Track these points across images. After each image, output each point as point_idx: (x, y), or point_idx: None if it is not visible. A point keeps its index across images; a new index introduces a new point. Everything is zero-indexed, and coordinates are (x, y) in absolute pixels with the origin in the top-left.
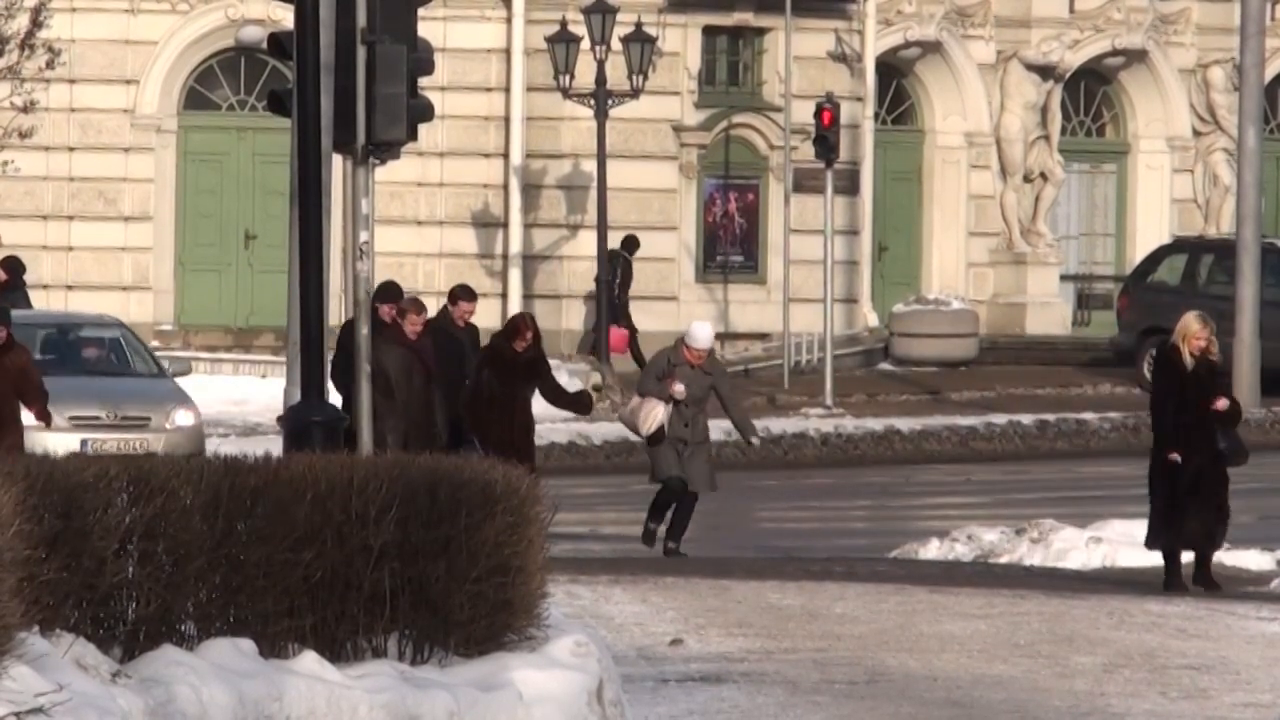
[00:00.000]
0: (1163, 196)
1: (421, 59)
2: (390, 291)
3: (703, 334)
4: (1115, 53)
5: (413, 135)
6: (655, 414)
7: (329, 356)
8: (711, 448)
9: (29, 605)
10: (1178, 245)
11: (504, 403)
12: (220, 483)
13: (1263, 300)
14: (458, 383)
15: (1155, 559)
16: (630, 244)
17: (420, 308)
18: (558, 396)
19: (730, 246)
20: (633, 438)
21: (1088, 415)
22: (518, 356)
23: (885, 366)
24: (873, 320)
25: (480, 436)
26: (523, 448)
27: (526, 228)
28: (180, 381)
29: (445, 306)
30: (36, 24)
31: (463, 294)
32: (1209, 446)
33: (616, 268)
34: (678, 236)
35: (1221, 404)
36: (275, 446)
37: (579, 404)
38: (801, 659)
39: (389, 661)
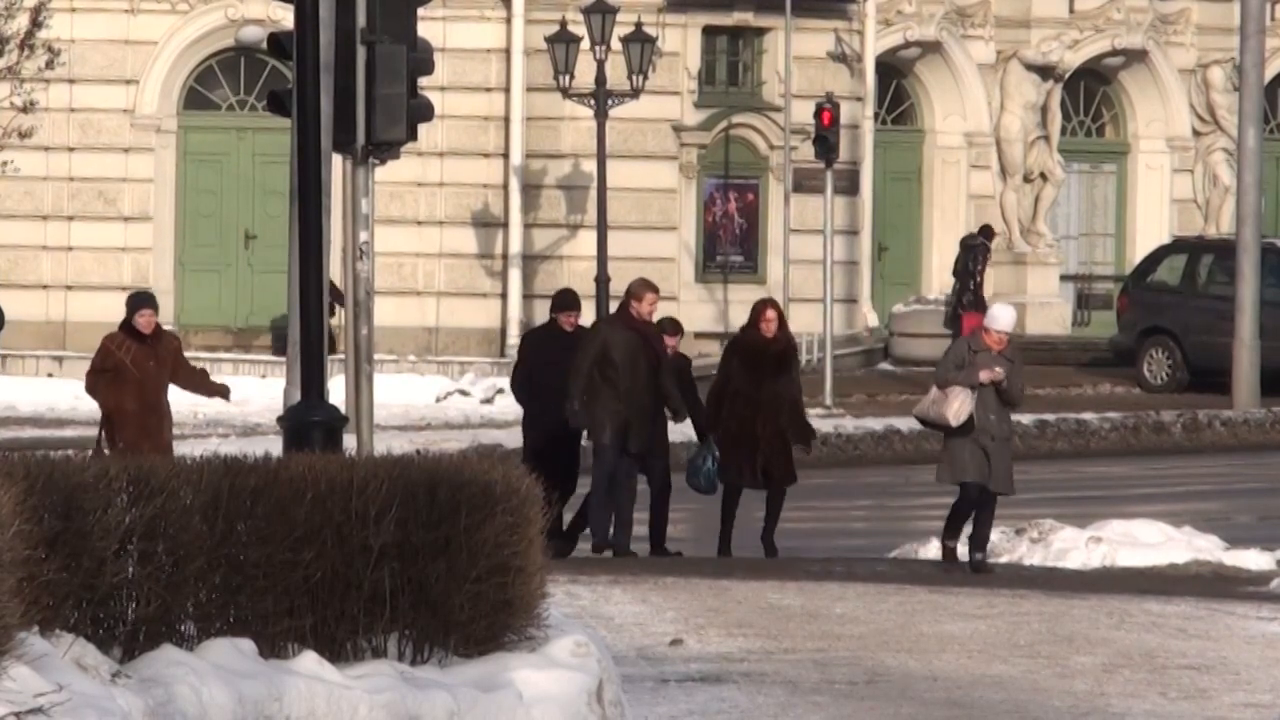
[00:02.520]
0: (1163, 196)
1: (421, 59)
2: (568, 299)
3: (1006, 316)
4: (1115, 53)
5: (412, 135)
6: (966, 404)
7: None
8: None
9: (29, 605)
10: (1178, 245)
11: (749, 397)
12: (220, 483)
13: (1263, 300)
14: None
15: (1155, 559)
16: (988, 232)
17: (654, 288)
18: (793, 403)
19: (730, 246)
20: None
21: (1088, 415)
22: (767, 345)
23: (885, 366)
24: (873, 320)
25: (720, 432)
26: (767, 449)
27: (526, 228)
28: None
29: (624, 304)
30: (36, 24)
31: (645, 288)
32: None
33: (978, 256)
34: (678, 236)
35: None
36: (275, 446)
37: (804, 434)
38: (801, 659)
39: (389, 661)
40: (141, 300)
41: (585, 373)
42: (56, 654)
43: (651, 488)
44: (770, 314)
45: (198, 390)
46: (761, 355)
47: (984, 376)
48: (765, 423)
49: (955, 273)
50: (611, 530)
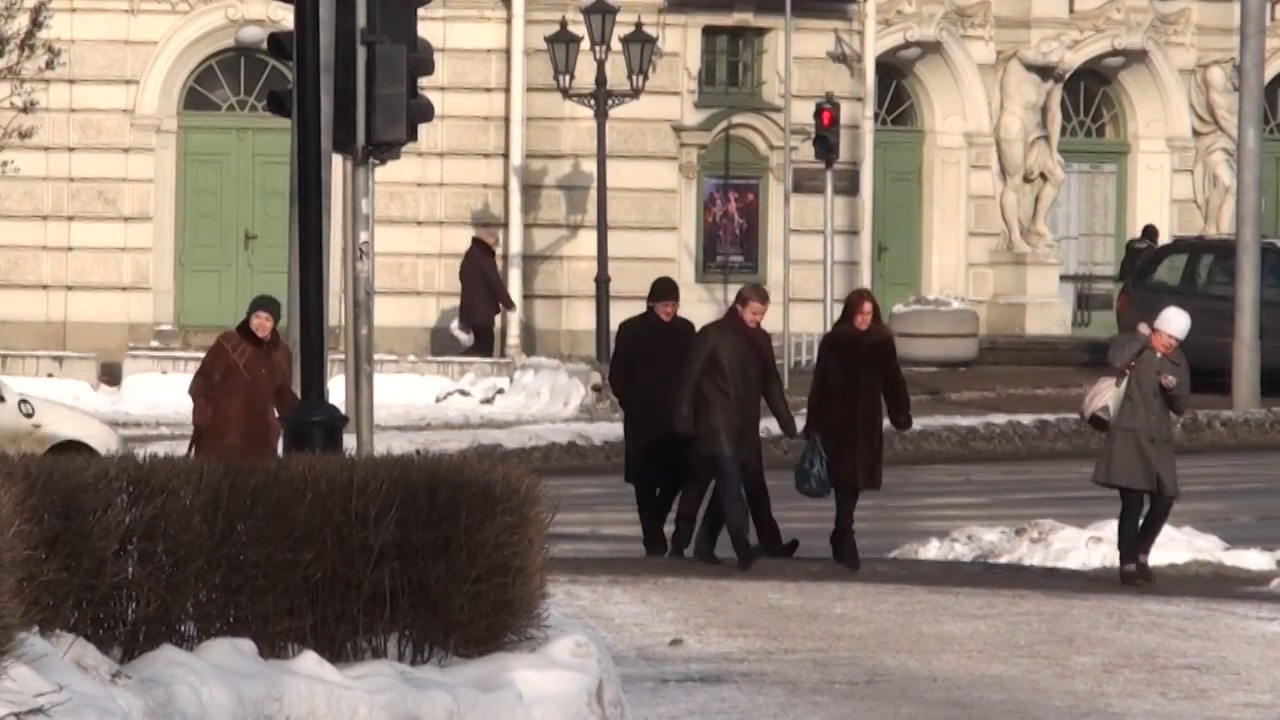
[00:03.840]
0: (1163, 197)
1: (421, 59)
2: (666, 288)
3: (1179, 321)
4: (1115, 53)
5: (413, 135)
6: (1103, 392)
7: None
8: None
9: (29, 605)
10: (1178, 245)
11: (847, 393)
12: (220, 483)
13: (1263, 300)
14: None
15: (1155, 559)
16: (1152, 233)
17: (763, 296)
18: (890, 393)
19: (730, 246)
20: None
21: None
22: (861, 339)
23: None
24: None
25: (822, 433)
26: (866, 446)
27: (526, 228)
28: None
29: (731, 309)
30: (36, 24)
31: (754, 294)
32: None
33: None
34: (678, 236)
35: None
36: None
37: (899, 416)
38: (801, 659)
39: (389, 662)
40: (261, 303)
41: (694, 381)
42: (56, 654)
43: (747, 492)
44: (866, 306)
45: (279, 410)
46: (857, 349)
47: (1166, 382)
48: (866, 419)
49: (1120, 276)
50: (686, 541)
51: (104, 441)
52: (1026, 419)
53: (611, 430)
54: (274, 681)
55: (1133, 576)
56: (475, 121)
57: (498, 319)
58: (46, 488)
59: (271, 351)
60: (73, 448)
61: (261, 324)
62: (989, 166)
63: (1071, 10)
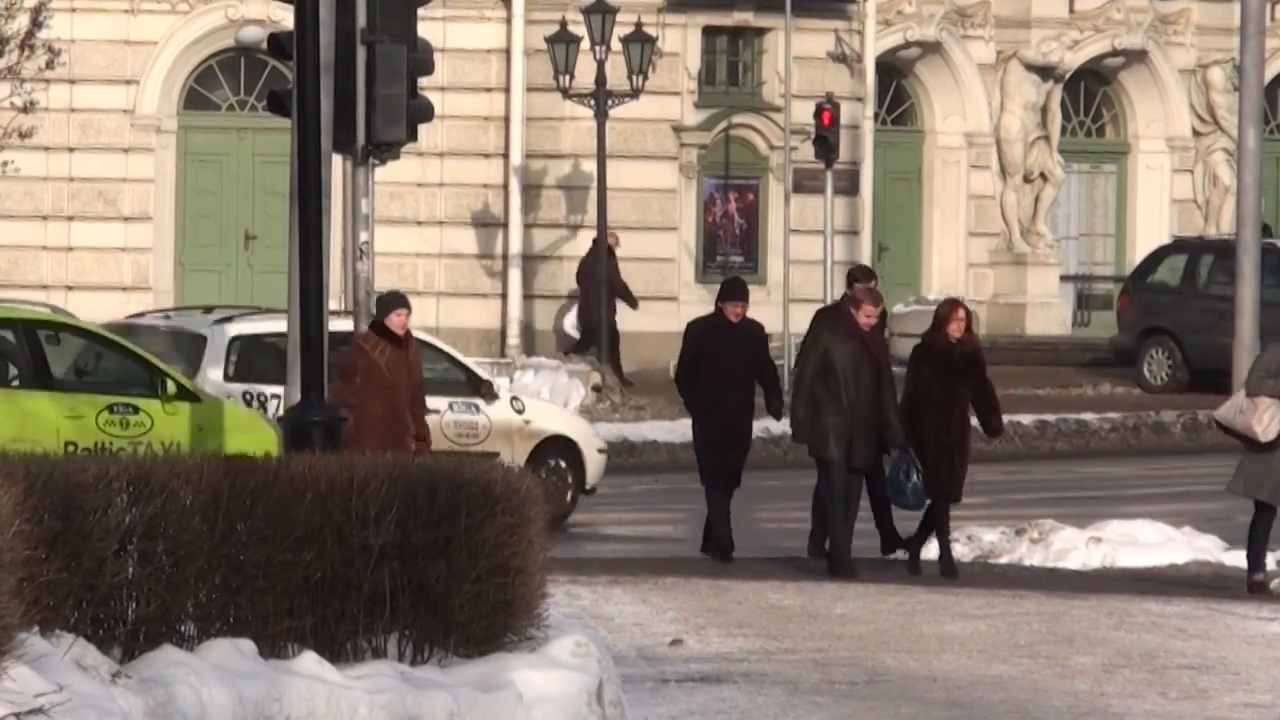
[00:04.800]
0: (1163, 197)
1: (421, 59)
2: (737, 288)
3: None
4: (1115, 53)
5: (413, 135)
6: (1278, 418)
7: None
8: None
9: (29, 606)
10: (1178, 245)
11: (941, 404)
12: (220, 483)
13: (1263, 300)
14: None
15: (1155, 559)
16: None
17: (877, 299)
18: (982, 403)
19: (730, 247)
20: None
21: (1088, 415)
22: (953, 349)
23: None
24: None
25: (917, 443)
26: (959, 457)
27: (526, 228)
28: None
29: (845, 311)
30: (36, 24)
31: (866, 297)
32: None
33: None
34: (678, 237)
35: None
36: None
37: (990, 423)
38: (801, 659)
39: (389, 662)
40: (396, 300)
41: (809, 384)
42: (57, 654)
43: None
44: (960, 314)
45: (415, 411)
46: (950, 358)
47: None
48: (959, 430)
49: None
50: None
51: (585, 437)
52: (1026, 419)
53: (611, 430)
54: (274, 681)
55: (1261, 586)
56: (475, 121)
57: (616, 319)
58: (46, 488)
59: (408, 348)
60: (559, 442)
61: (402, 321)
62: (989, 166)
63: (1071, 10)
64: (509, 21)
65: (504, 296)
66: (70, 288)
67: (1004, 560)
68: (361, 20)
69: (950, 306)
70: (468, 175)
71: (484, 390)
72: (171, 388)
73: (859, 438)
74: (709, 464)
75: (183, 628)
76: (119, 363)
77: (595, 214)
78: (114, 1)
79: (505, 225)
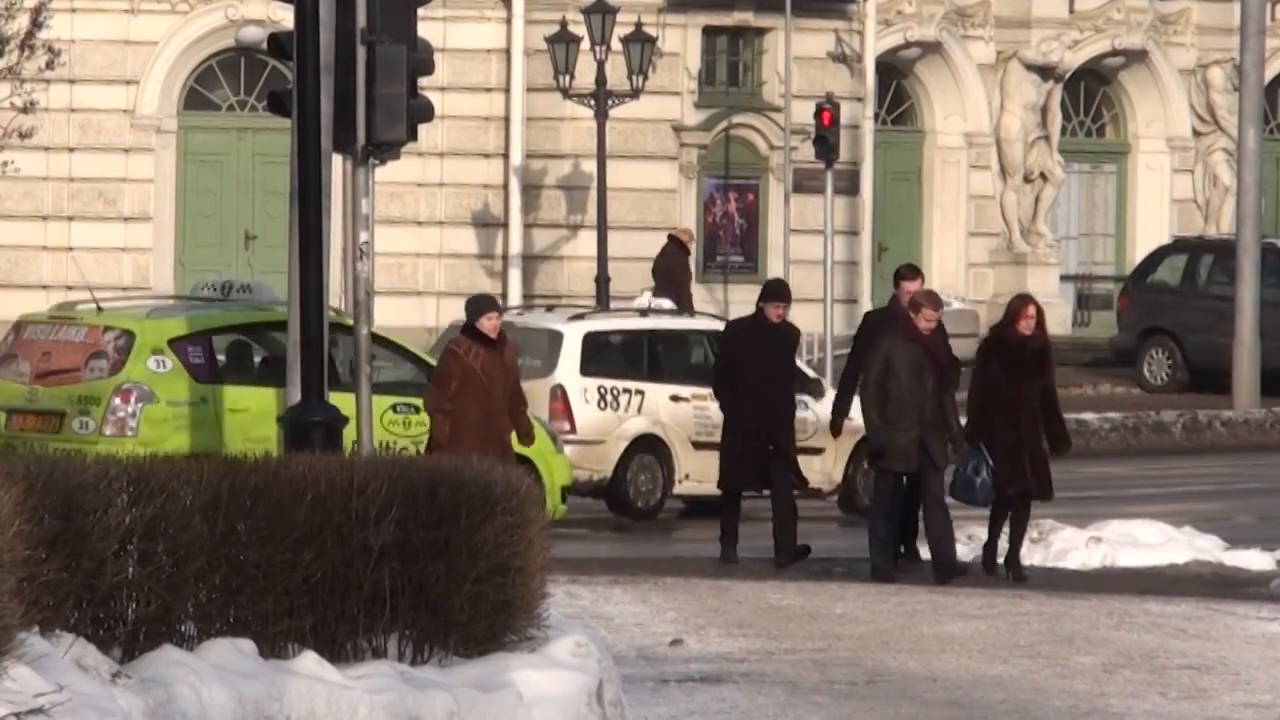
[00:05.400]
0: (1163, 197)
1: (421, 59)
2: (779, 289)
3: None
4: (1115, 53)
5: (413, 135)
6: None
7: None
8: None
9: (29, 606)
10: (1178, 245)
11: (1012, 399)
12: (220, 483)
13: (1263, 300)
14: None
15: (1155, 559)
16: None
17: (937, 303)
18: (1050, 405)
19: (730, 246)
20: None
21: (1088, 415)
22: (1024, 344)
23: None
24: None
25: (987, 440)
26: (1033, 454)
27: (526, 228)
28: None
29: (902, 313)
30: (36, 24)
31: (927, 301)
32: None
33: None
34: None
35: None
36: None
37: (1059, 439)
38: (802, 659)
39: (389, 662)
40: (486, 303)
41: (873, 390)
42: (57, 654)
43: (924, 504)
44: (1031, 310)
45: (509, 414)
46: (1021, 354)
47: None
48: (1030, 426)
49: None
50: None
51: None
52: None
53: None
54: (274, 681)
55: None
56: (475, 121)
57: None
58: (46, 488)
59: (502, 350)
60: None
61: (495, 324)
62: (989, 166)
63: (1071, 10)
64: (509, 21)
65: (504, 296)
66: (70, 288)
67: (1004, 560)
68: (361, 20)
69: (1021, 302)
70: (468, 175)
71: (812, 388)
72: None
73: (929, 442)
74: (731, 464)
75: (183, 628)
76: (400, 363)
77: (595, 214)
78: (114, 1)
79: (505, 225)
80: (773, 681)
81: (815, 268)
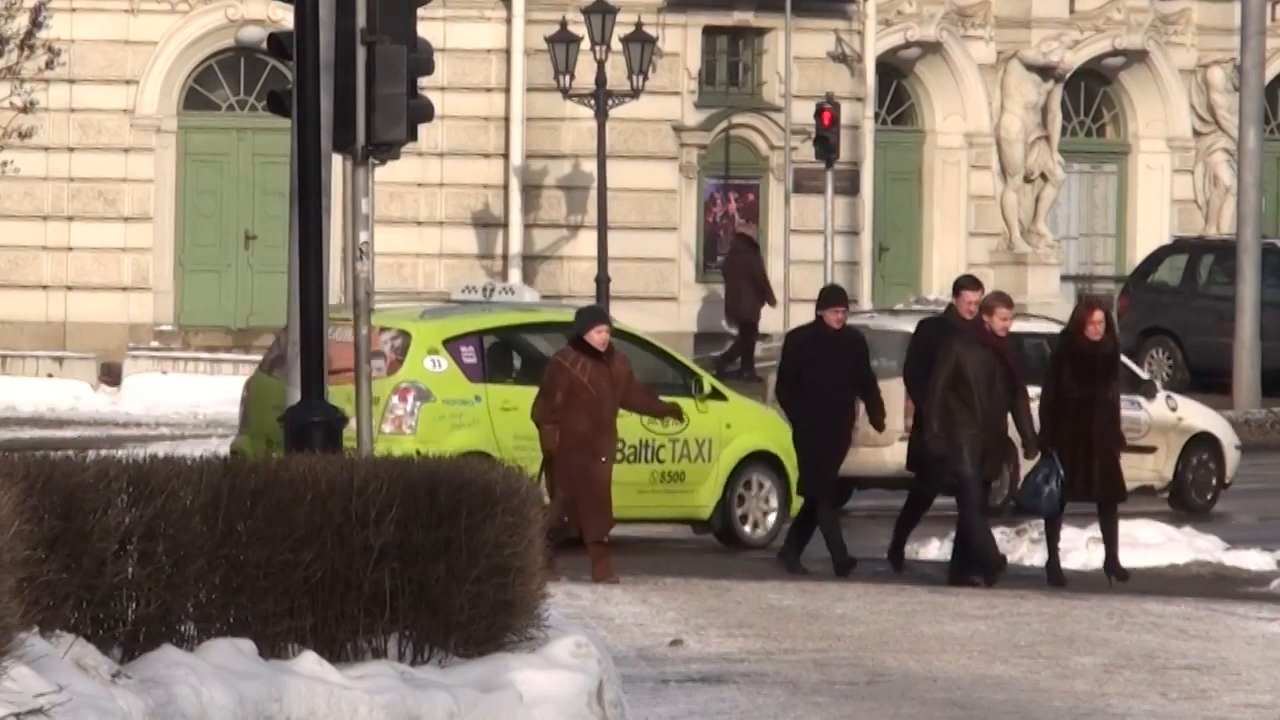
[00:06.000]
0: (1163, 197)
1: (421, 59)
2: (837, 294)
3: None
4: (1115, 53)
5: (413, 135)
6: None
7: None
8: None
9: (29, 606)
10: (1178, 245)
11: (1083, 405)
12: (220, 483)
13: (1263, 300)
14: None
15: (1155, 559)
16: None
17: (1008, 301)
18: (1115, 409)
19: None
20: None
21: None
22: (1095, 349)
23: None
24: None
25: (1058, 447)
26: (1105, 460)
27: (526, 228)
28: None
29: (959, 313)
30: (36, 24)
31: (998, 301)
32: None
33: None
34: (678, 236)
35: None
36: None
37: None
38: (802, 660)
39: (389, 662)
40: (596, 316)
41: (941, 395)
42: (57, 654)
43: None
44: (1097, 315)
45: (648, 411)
46: (1092, 360)
47: None
48: (1100, 432)
49: None
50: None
51: (1226, 434)
52: None
53: None
54: (274, 681)
55: None
56: (475, 121)
57: (764, 312)
58: (46, 488)
59: (611, 363)
60: (1205, 439)
61: (603, 337)
62: (989, 166)
63: (1071, 10)
64: (509, 21)
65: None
66: (70, 288)
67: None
68: (361, 20)
69: (1086, 309)
70: (468, 175)
71: (1145, 389)
72: (706, 386)
73: (993, 449)
74: (812, 476)
75: (183, 628)
76: (656, 363)
77: (595, 214)
78: (114, 1)
79: (505, 225)
80: (773, 681)
81: (815, 268)
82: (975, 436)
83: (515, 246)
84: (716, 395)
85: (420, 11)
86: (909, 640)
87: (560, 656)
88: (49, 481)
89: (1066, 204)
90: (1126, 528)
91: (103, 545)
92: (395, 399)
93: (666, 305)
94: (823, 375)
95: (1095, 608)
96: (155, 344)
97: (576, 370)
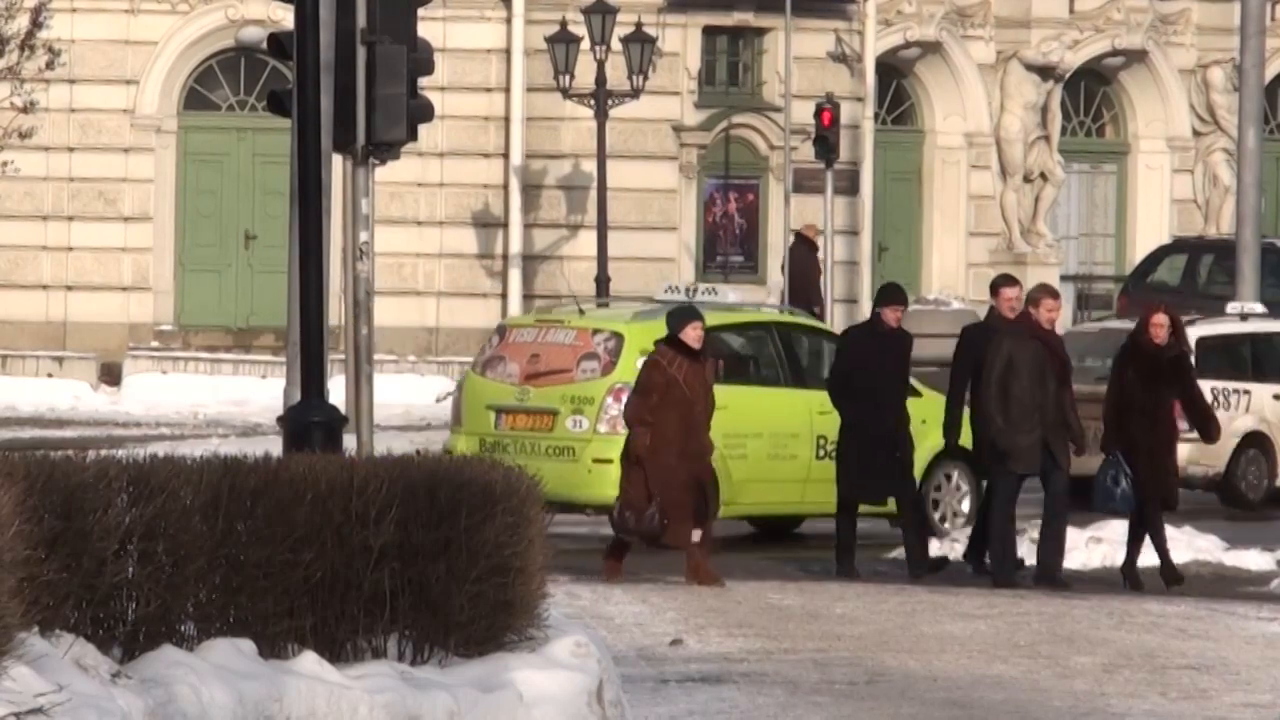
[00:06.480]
0: (1163, 197)
1: (421, 59)
2: (896, 293)
3: None
4: (1115, 53)
5: (413, 135)
6: None
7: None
8: None
9: (29, 605)
10: (1178, 245)
11: (1147, 408)
12: (220, 483)
13: (1262, 300)
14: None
15: (1155, 559)
16: None
17: (1054, 293)
18: (1192, 408)
19: (730, 247)
20: None
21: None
22: (1159, 352)
23: None
24: None
25: (1122, 448)
26: (1164, 463)
27: (526, 228)
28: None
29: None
30: (37, 24)
31: (1045, 293)
32: None
33: None
34: (678, 236)
35: None
36: (275, 446)
37: (1207, 429)
38: (802, 659)
39: (389, 662)
40: (690, 314)
41: (995, 391)
42: (57, 654)
43: (1052, 509)
44: (1159, 318)
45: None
46: (1155, 362)
47: None
48: (1160, 435)
49: None
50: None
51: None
52: None
53: None
54: (274, 681)
55: None
56: (475, 121)
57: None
58: (46, 488)
59: (704, 362)
60: (1255, 438)
61: (697, 335)
62: (989, 166)
63: (1071, 10)
64: (509, 21)
65: (504, 296)
66: (70, 288)
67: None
68: (361, 20)
69: (1150, 311)
70: (468, 175)
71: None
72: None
73: (1052, 442)
74: (851, 476)
75: (183, 628)
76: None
77: (595, 214)
78: (114, 1)
79: (505, 225)
80: (773, 681)
81: None
82: (1031, 431)
83: (515, 246)
84: (913, 392)
85: (420, 11)
86: (909, 640)
87: (560, 656)
88: (49, 481)
89: (1066, 204)
90: (1125, 527)
91: (103, 545)
92: (610, 399)
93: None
94: (874, 373)
95: (1095, 608)
96: (155, 344)
97: (673, 369)
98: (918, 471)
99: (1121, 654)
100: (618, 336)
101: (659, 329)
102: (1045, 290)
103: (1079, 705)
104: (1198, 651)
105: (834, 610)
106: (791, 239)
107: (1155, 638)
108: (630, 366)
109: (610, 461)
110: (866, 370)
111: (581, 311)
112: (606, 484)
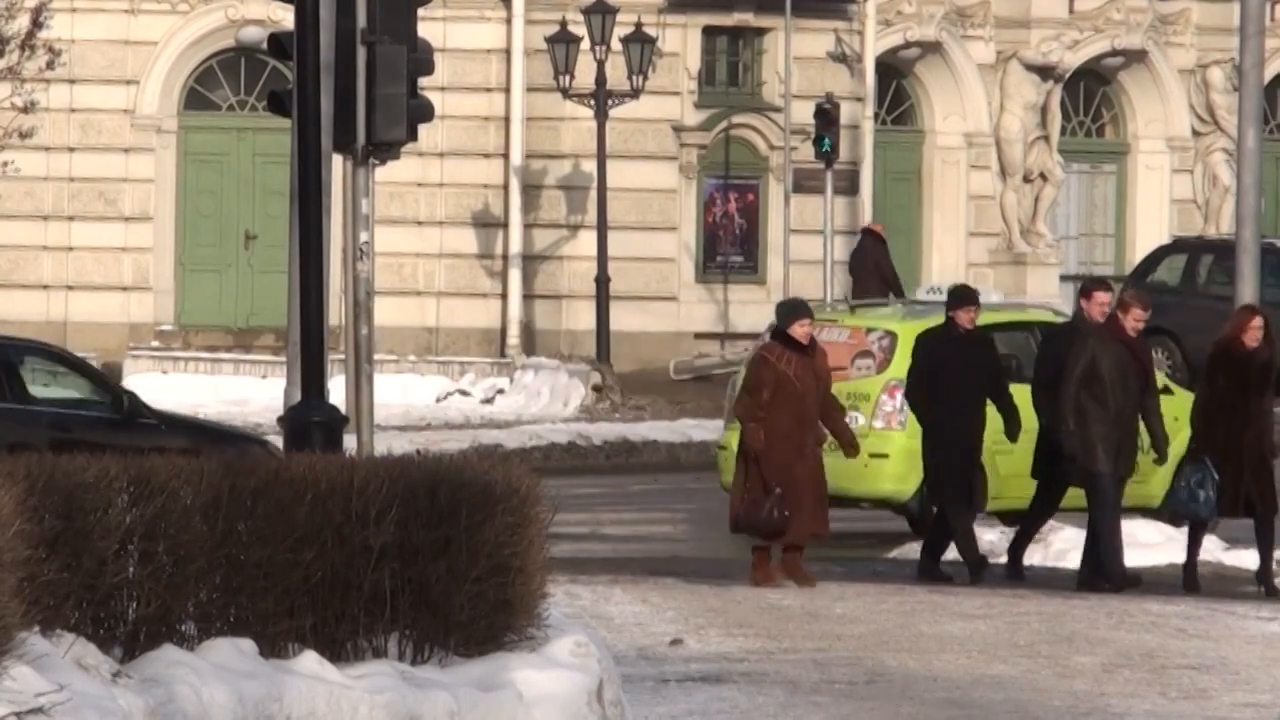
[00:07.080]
0: (1162, 197)
1: (421, 59)
2: (968, 294)
3: None
4: (1115, 53)
5: (413, 135)
6: None
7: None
8: None
9: (29, 605)
10: (1177, 245)
11: (1237, 413)
12: (220, 483)
13: (1263, 300)
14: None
15: (1155, 559)
16: None
17: (1145, 303)
18: (1269, 418)
19: (730, 247)
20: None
21: None
22: (1250, 357)
23: None
24: None
25: (1212, 454)
26: (1256, 470)
27: (526, 228)
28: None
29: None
30: (37, 24)
31: (1135, 301)
32: None
33: None
34: (678, 236)
35: None
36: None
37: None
38: (801, 659)
39: (389, 661)
40: (799, 309)
41: (1074, 392)
42: (57, 654)
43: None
44: (1256, 322)
45: (831, 424)
46: (1247, 367)
47: None
48: (1252, 442)
49: None
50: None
51: None
52: None
53: (611, 430)
54: (274, 681)
55: None
56: (475, 121)
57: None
58: (47, 488)
59: (814, 356)
60: None
61: (807, 330)
62: (989, 166)
63: (1071, 10)
64: (509, 21)
65: (504, 296)
66: (70, 288)
67: (1004, 560)
68: (361, 20)
69: (1245, 314)
70: (468, 175)
71: None
72: (1160, 383)
73: (1127, 448)
74: (939, 480)
75: (183, 627)
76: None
77: (595, 214)
78: (114, 1)
79: (505, 225)
80: (773, 681)
81: (815, 268)
82: (1108, 434)
83: (515, 246)
84: (1164, 390)
85: (420, 11)
86: (908, 640)
87: (560, 656)
88: (49, 481)
89: (1066, 204)
90: (1127, 527)
91: (103, 545)
92: (885, 396)
93: (666, 305)
94: (955, 378)
95: (1094, 607)
96: (156, 344)
97: (782, 365)
98: (1170, 468)
99: (1121, 654)
100: (891, 334)
101: (932, 325)
102: (1137, 299)
103: (1079, 705)
104: (1197, 651)
105: (834, 610)
106: (859, 236)
107: (1155, 637)
108: (903, 364)
109: (886, 456)
110: (946, 375)
111: (853, 310)
112: (883, 479)
